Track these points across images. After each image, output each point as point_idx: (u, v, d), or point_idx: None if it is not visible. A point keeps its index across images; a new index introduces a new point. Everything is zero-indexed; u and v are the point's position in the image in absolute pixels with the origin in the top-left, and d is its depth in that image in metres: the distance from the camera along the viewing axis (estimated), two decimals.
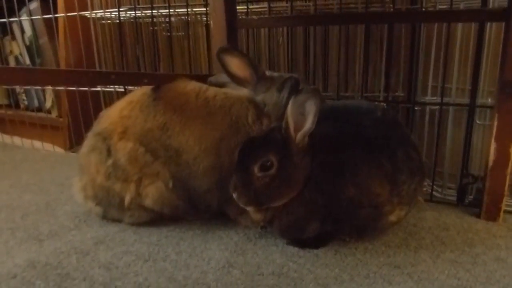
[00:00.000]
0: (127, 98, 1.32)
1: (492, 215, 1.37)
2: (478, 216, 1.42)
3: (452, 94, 1.58)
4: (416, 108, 1.69)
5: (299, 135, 0.99)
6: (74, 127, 2.44)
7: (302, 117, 0.98)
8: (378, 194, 1.05)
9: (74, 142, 2.48)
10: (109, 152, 1.23)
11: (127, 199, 1.22)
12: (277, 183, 1.00)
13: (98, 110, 2.52)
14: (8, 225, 1.29)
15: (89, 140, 1.29)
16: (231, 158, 1.21)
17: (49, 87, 2.64)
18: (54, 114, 2.59)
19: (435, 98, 1.64)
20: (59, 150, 2.52)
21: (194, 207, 1.29)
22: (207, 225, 1.31)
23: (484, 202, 1.39)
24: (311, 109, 0.96)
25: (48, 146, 2.56)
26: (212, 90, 1.31)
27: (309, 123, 0.98)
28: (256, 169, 0.99)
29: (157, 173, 1.21)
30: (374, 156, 1.06)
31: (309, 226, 1.10)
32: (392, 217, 1.12)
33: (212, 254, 1.10)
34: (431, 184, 1.59)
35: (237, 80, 1.32)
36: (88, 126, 2.44)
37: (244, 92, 1.33)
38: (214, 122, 1.24)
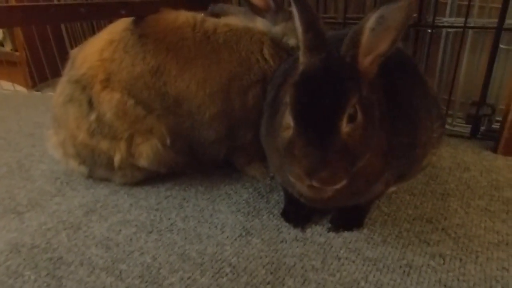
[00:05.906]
0: (105, 36, 1.06)
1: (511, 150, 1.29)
2: (494, 150, 1.34)
3: (474, 14, 1.40)
4: (429, 31, 1.50)
5: (369, 60, 0.70)
6: (35, 62, 2.13)
7: (382, 34, 0.67)
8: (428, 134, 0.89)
9: (36, 79, 2.19)
10: (91, 105, 1.02)
11: (116, 159, 1.05)
12: (367, 134, 0.69)
13: (59, 40, 2.22)
14: None
15: (64, 88, 1.06)
16: (243, 100, 1.05)
17: None
18: (7, 47, 2.24)
19: (453, 19, 1.46)
20: (20, 89, 2.22)
21: (195, 160, 1.13)
22: (209, 179, 1.17)
23: (503, 136, 1.30)
24: (398, 22, 0.66)
25: (6, 85, 2.26)
26: (210, 22, 1.08)
27: (389, 42, 0.68)
28: (344, 123, 0.65)
29: (150, 129, 1.03)
30: (424, 89, 0.90)
31: (377, 184, 0.80)
32: (425, 161, 1.00)
33: (224, 219, 0.98)
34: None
35: (253, 8, 1.12)
36: (51, 60, 2.17)
37: (256, 23, 1.13)
38: (219, 61, 1.04)
